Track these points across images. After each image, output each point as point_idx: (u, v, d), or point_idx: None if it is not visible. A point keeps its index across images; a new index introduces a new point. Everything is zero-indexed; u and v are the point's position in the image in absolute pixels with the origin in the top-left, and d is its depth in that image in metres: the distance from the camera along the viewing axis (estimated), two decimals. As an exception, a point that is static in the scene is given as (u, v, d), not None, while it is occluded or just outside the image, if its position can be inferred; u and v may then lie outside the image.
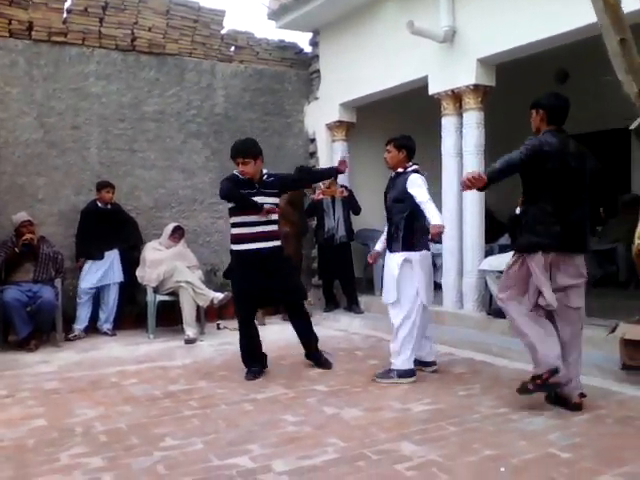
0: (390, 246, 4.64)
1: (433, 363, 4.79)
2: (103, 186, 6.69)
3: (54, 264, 6.21)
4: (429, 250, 4.65)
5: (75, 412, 3.91)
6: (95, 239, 6.53)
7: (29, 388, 4.51)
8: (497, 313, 5.49)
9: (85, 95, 7.08)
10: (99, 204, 6.69)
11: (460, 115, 6.28)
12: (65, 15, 6.98)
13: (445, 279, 6.47)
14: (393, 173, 4.79)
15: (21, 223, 6.11)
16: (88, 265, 6.57)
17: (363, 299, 7.48)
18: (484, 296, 6.10)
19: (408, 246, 4.51)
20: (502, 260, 5.26)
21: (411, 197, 4.47)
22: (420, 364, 4.71)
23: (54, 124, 6.93)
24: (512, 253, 3.93)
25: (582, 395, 3.78)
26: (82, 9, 6.99)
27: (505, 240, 6.27)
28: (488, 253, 6.28)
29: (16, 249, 5.99)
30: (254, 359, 4.81)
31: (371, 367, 4.92)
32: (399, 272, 4.49)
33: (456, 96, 6.27)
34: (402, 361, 4.49)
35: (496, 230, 6.75)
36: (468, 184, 3.59)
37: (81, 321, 6.54)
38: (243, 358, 4.82)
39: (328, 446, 3.23)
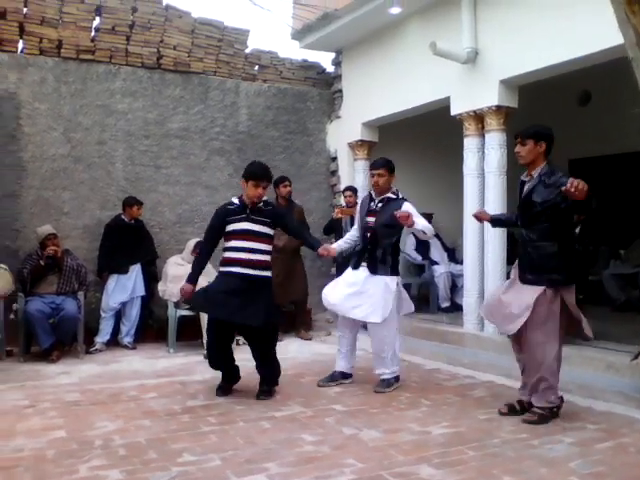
0: (374, 268, 4.80)
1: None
2: (133, 203, 6.78)
3: (77, 277, 6.28)
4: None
5: (95, 424, 3.93)
6: (120, 253, 6.60)
7: (50, 399, 4.54)
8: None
9: (111, 111, 7.21)
10: (125, 219, 6.77)
11: (482, 136, 6.28)
12: (93, 33, 7.14)
13: (466, 300, 6.43)
14: (379, 197, 4.91)
15: (46, 236, 6.18)
16: (114, 280, 6.62)
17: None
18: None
19: (395, 270, 4.84)
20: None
21: (400, 224, 4.67)
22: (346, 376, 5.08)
23: (80, 139, 7.05)
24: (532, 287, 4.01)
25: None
26: (110, 28, 7.14)
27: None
28: (510, 275, 6.22)
29: (41, 261, 6.07)
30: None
31: (390, 387, 4.89)
32: (394, 294, 4.80)
33: (478, 117, 6.28)
34: (397, 368, 4.89)
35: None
36: None
37: (103, 335, 6.58)
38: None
39: (346, 467, 3.22)
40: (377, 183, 4.88)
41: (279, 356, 4.84)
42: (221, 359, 4.76)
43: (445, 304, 7.78)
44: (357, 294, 4.80)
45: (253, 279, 4.58)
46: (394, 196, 4.89)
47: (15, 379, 5.16)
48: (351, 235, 5.18)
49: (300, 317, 7.56)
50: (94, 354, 6.33)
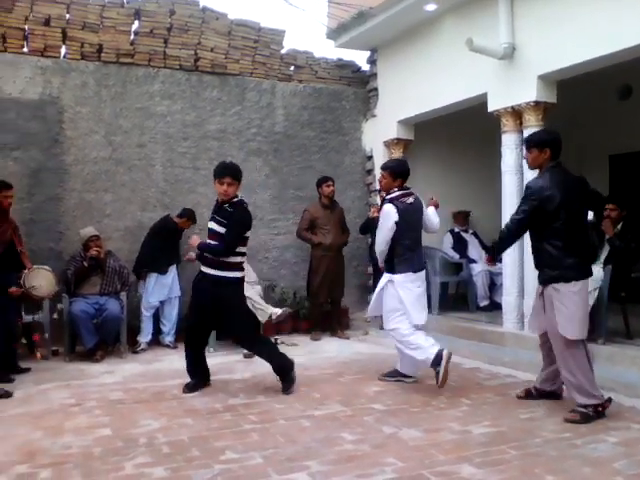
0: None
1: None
2: (182, 216, 6.86)
3: (120, 278, 6.40)
4: (415, 272, 4.92)
5: (139, 422, 4.02)
6: (162, 253, 6.69)
7: (95, 398, 4.65)
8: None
9: (150, 114, 7.34)
10: (176, 221, 6.87)
11: (520, 132, 6.20)
12: (132, 37, 7.28)
13: (505, 299, 6.35)
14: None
15: (89, 238, 6.31)
16: (153, 279, 6.72)
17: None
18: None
19: (390, 269, 4.90)
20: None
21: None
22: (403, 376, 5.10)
23: (121, 142, 7.19)
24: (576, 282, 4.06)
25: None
26: (148, 31, 7.27)
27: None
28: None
29: (84, 263, 6.21)
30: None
31: (429, 387, 4.87)
32: (384, 291, 4.95)
33: (516, 113, 6.20)
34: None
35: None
36: None
37: (146, 334, 6.70)
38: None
39: (386, 466, 3.23)
40: (380, 183, 5.26)
41: (318, 355, 4.88)
42: (197, 361, 4.98)
43: (484, 303, 7.70)
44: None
45: (210, 278, 4.72)
46: (386, 195, 5.05)
47: (61, 378, 5.29)
48: None
49: (337, 316, 7.59)
50: (139, 353, 6.45)
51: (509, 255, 6.12)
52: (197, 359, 4.97)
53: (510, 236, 4.44)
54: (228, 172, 4.70)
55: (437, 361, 4.59)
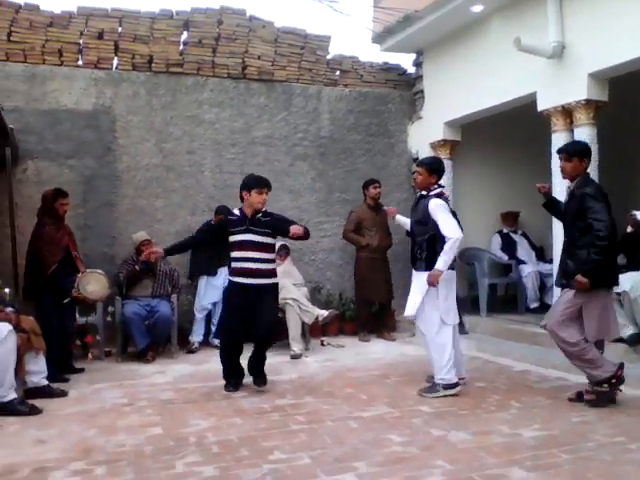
0: (414, 264, 4.87)
1: (461, 378, 4.87)
2: (219, 212, 6.96)
3: (170, 280, 6.56)
4: (453, 269, 4.81)
5: (189, 422, 4.09)
6: (209, 257, 6.81)
7: (146, 397, 4.76)
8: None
9: (200, 121, 7.49)
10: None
11: (571, 131, 6.09)
12: (181, 47, 7.45)
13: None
14: (419, 194, 5.00)
15: (141, 242, 6.47)
16: (204, 282, 6.86)
17: (467, 319, 7.33)
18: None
19: (430, 266, 4.65)
20: (619, 281, 5.04)
21: (433, 221, 4.68)
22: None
23: (171, 149, 7.37)
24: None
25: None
26: (197, 41, 7.43)
27: (620, 260, 5.96)
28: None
29: (136, 266, 6.38)
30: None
31: (478, 390, 4.83)
32: (426, 290, 4.68)
33: (566, 112, 6.09)
34: (445, 373, 4.65)
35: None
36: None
37: (197, 335, 6.83)
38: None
39: (435, 468, 3.21)
40: (415, 180, 5.17)
41: (364, 356, 4.89)
42: (235, 368, 5.07)
43: (534, 304, 7.56)
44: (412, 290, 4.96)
45: (257, 287, 4.85)
46: (425, 193, 4.88)
47: (114, 378, 5.43)
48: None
49: (384, 318, 7.57)
50: (194, 352, 6.60)
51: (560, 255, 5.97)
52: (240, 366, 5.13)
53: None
54: (267, 183, 4.93)
55: None
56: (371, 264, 7.31)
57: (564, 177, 4.59)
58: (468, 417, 4.13)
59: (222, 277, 6.87)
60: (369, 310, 7.45)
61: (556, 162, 6.14)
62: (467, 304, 7.70)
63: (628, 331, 5.36)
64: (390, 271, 7.50)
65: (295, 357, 6.22)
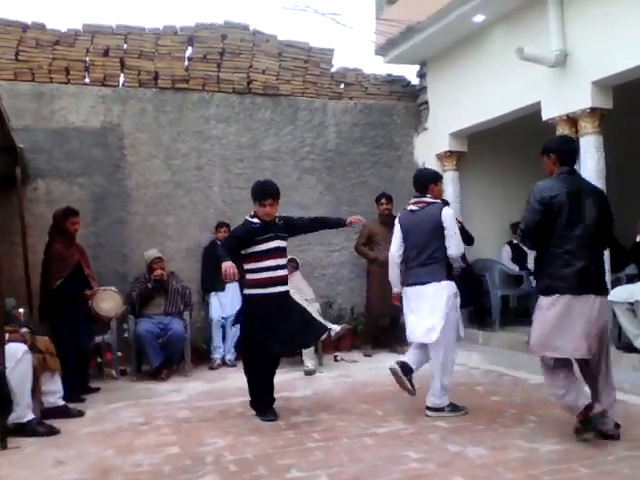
0: (420, 278, 4.56)
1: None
2: (221, 226, 7.05)
3: (182, 298, 6.57)
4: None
5: (205, 441, 4.09)
6: (215, 273, 6.82)
7: (162, 416, 4.77)
8: (627, 347, 5.24)
9: (206, 137, 7.53)
10: (218, 242, 7.01)
11: (577, 140, 6.10)
12: (186, 63, 7.50)
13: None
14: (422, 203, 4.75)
15: (152, 260, 6.52)
16: (214, 298, 6.89)
17: (480, 332, 7.34)
18: (612, 329, 5.79)
19: (449, 276, 4.54)
20: (632, 290, 5.04)
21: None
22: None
23: (180, 165, 7.41)
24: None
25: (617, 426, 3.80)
26: (202, 56, 7.49)
27: (632, 270, 5.96)
28: (615, 283, 5.97)
29: (149, 284, 6.41)
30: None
31: (494, 404, 4.82)
32: (450, 303, 4.50)
33: (571, 120, 6.11)
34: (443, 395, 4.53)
35: (621, 258, 6.43)
36: None
37: (219, 352, 6.84)
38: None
39: (453, 484, 3.21)
40: (432, 191, 4.89)
41: (378, 371, 4.87)
42: (267, 387, 4.73)
43: (547, 316, 7.52)
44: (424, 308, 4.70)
45: (285, 294, 4.73)
46: (431, 200, 4.73)
47: (130, 397, 5.45)
48: None
49: (395, 332, 7.56)
50: (216, 369, 6.63)
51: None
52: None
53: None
54: (265, 194, 4.74)
55: None
56: (380, 278, 7.28)
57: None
58: (485, 432, 4.12)
59: (231, 292, 6.90)
60: (377, 324, 7.43)
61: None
62: (479, 316, 7.67)
63: (641, 341, 5.34)
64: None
65: (309, 373, 6.22)
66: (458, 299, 4.59)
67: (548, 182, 3.92)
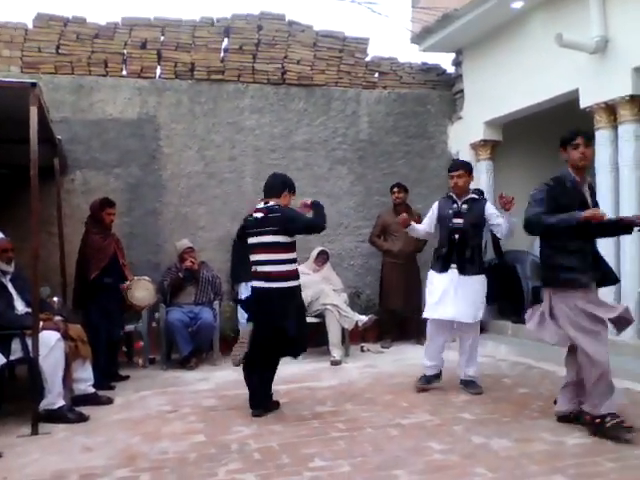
0: (464, 269, 4.90)
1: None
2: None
3: (213, 287, 6.62)
4: None
5: (231, 429, 4.13)
6: (244, 263, 6.87)
7: (190, 404, 4.82)
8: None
9: (240, 128, 7.58)
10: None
11: (615, 128, 5.95)
12: (222, 54, 7.55)
13: (602, 303, 6.07)
14: (463, 199, 5.03)
15: (184, 250, 6.58)
16: (244, 288, 6.87)
17: (510, 324, 7.23)
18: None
19: (482, 270, 5.00)
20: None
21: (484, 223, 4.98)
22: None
23: (213, 156, 7.48)
24: None
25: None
26: (237, 47, 7.52)
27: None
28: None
29: (180, 274, 6.48)
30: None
31: (520, 396, 4.75)
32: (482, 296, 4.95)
33: (610, 108, 5.95)
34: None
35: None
36: None
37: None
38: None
39: (476, 476, 3.19)
40: (457, 184, 5.04)
41: (403, 362, 4.89)
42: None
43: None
44: (450, 295, 4.88)
45: (272, 291, 4.46)
46: (476, 196, 5.08)
47: (158, 385, 5.52)
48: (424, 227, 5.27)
49: (417, 324, 7.47)
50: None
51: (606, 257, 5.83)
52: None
53: None
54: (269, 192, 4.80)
55: None
56: (393, 269, 7.24)
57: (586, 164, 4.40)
58: (510, 424, 4.07)
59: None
60: (392, 316, 7.39)
61: (600, 160, 6.04)
62: (510, 308, 7.54)
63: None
64: (419, 277, 7.21)
65: (335, 363, 6.23)
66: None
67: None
